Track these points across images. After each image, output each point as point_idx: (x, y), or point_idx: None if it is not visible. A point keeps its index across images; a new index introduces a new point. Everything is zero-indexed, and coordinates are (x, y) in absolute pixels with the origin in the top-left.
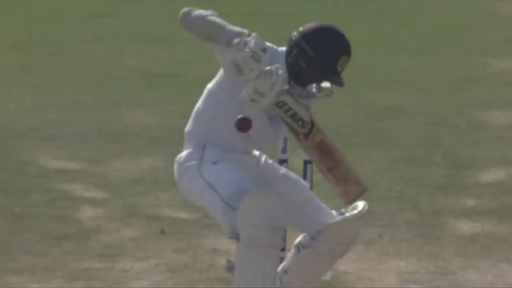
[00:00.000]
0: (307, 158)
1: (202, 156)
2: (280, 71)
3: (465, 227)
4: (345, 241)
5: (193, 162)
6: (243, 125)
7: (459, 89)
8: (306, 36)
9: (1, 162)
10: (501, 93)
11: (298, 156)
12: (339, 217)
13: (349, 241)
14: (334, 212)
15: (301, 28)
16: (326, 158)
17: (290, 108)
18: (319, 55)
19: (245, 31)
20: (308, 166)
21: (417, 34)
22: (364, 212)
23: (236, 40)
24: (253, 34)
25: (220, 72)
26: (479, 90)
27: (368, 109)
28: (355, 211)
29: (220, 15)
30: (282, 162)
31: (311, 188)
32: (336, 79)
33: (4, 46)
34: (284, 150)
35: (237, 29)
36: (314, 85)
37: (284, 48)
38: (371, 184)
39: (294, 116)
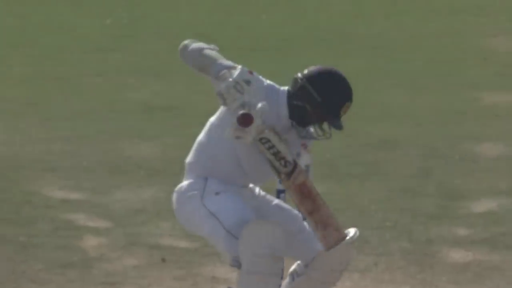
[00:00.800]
0: None
1: (205, 187)
2: (260, 106)
3: (458, 255)
4: (338, 267)
5: (195, 192)
6: (244, 120)
7: (452, 122)
8: (313, 81)
9: (7, 192)
10: (492, 126)
11: None
12: None
13: (342, 267)
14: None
15: (306, 72)
16: (307, 201)
17: (273, 146)
18: (326, 101)
19: (236, 65)
20: None
21: (410, 69)
22: (355, 238)
23: (223, 72)
24: (239, 66)
25: (222, 107)
26: (471, 123)
27: (364, 141)
28: (347, 238)
29: (219, 50)
30: (280, 192)
31: (305, 219)
32: (336, 123)
33: (11, 80)
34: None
35: (228, 62)
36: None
37: (286, 88)
38: (366, 213)
39: (276, 155)
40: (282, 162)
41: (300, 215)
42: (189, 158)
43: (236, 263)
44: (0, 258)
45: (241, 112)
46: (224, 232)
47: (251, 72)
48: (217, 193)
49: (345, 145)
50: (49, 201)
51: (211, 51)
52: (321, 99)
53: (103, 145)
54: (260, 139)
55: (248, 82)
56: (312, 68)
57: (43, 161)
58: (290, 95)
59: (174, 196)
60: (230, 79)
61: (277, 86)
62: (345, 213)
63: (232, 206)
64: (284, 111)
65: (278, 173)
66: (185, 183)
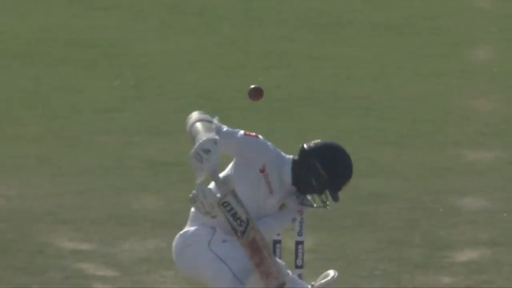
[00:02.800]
0: (299, 239)
1: (214, 234)
2: (204, 190)
3: None
4: None
5: (203, 238)
6: (255, 93)
7: (436, 177)
8: (321, 159)
9: (21, 243)
10: (474, 181)
11: (290, 237)
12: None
13: None
14: (309, 286)
15: (313, 145)
16: (256, 255)
17: (232, 208)
18: (331, 177)
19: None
20: (300, 246)
21: (398, 127)
22: (335, 279)
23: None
24: (204, 138)
25: (231, 163)
26: (454, 178)
27: (354, 195)
28: (328, 278)
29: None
30: (276, 242)
31: (302, 266)
32: (335, 196)
33: (24, 139)
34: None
35: (208, 135)
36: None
37: (291, 157)
38: (357, 263)
39: (234, 216)
40: (238, 221)
41: (283, 263)
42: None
43: None
44: None
45: (252, 86)
46: (231, 275)
47: (256, 136)
48: (224, 241)
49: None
50: (60, 251)
51: (205, 123)
52: (328, 176)
53: (111, 198)
54: (223, 204)
55: (207, 151)
56: (319, 143)
57: (55, 214)
58: (296, 165)
59: (177, 240)
60: (192, 150)
61: (282, 153)
62: (337, 262)
63: (239, 254)
64: (288, 178)
65: (235, 231)
66: (191, 228)
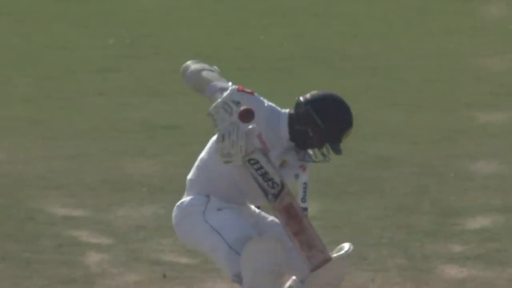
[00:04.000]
0: (303, 205)
1: (208, 203)
2: (250, 127)
3: (453, 271)
4: (333, 281)
5: (197, 208)
6: (245, 115)
7: (447, 140)
8: (316, 107)
9: (11, 209)
10: (487, 144)
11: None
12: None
13: (337, 281)
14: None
15: (309, 96)
16: (293, 222)
17: (262, 167)
18: (329, 128)
19: (230, 86)
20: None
21: (406, 88)
22: (350, 252)
23: (216, 94)
24: (230, 88)
25: None
26: (466, 142)
27: (360, 160)
28: (342, 252)
29: (220, 71)
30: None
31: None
32: (336, 148)
33: (15, 100)
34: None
35: (222, 84)
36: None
37: (287, 111)
38: (363, 230)
39: (264, 176)
40: (270, 183)
41: None
42: (190, 175)
43: (237, 279)
44: (4, 274)
45: (242, 107)
46: (227, 247)
47: (252, 93)
48: (219, 210)
49: (342, 163)
50: (52, 218)
51: (209, 72)
52: (325, 125)
53: (106, 163)
54: (249, 160)
55: (237, 103)
56: (315, 94)
57: (47, 179)
58: (292, 118)
59: (175, 211)
60: (219, 100)
61: (278, 108)
62: (342, 230)
63: (234, 222)
64: (285, 133)
65: (266, 193)
66: (186, 198)
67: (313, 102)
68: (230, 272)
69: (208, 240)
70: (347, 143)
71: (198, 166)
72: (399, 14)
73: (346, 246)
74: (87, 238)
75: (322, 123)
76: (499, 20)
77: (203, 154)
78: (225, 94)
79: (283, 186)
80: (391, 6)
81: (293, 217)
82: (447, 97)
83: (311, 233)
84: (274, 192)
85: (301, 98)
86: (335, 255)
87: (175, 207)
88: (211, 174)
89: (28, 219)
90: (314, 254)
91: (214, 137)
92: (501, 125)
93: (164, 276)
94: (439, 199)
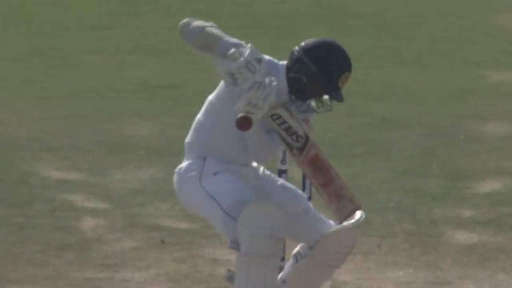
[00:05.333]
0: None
1: (203, 167)
2: (274, 83)
3: (462, 237)
4: (343, 250)
5: (194, 173)
6: (243, 123)
7: (456, 101)
8: (309, 52)
9: (3, 173)
10: (498, 105)
11: (297, 168)
12: (337, 226)
13: (347, 250)
14: (332, 222)
15: (303, 43)
16: (320, 174)
17: (285, 122)
18: (322, 71)
19: (242, 42)
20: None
21: (414, 46)
22: (361, 221)
23: (232, 51)
24: (249, 45)
25: (221, 84)
26: (476, 102)
27: (366, 121)
28: (353, 220)
29: (219, 27)
30: (282, 172)
31: (310, 199)
32: (337, 95)
33: (6, 58)
34: (283, 161)
35: (234, 40)
36: (313, 99)
37: (284, 62)
38: (369, 194)
39: (288, 130)
40: (294, 137)
41: (305, 195)
42: (188, 138)
43: (235, 245)
44: None
45: (240, 115)
46: (222, 213)
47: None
48: (215, 174)
49: (347, 124)
50: (46, 181)
51: (214, 28)
52: (317, 69)
53: (101, 124)
54: (271, 116)
55: (259, 61)
56: (309, 40)
57: (40, 140)
58: (288, 69)
59: (175, 177)
60: (242, 59)
61: (276, 61)
62: None
63: (231, 186)
64: (283, 85)
65: (291, 148)
66: (184, 164)
67: (306, 48)
68: (227, 238)
69: (205, 206)
70: (352, 103)
71: (195, 128)
72: None
73: (358, 214)
74: (82, 202)
75: (315, 67)
76: None
77: (199, 115)
78: (246, 52)
79: (307, 138)
80: None
81: (320, 168)
82: (457, 56)
83: (339, 183)
84: (299, 145)
85: (296, 47)
86: (345, 223)
87: (174, 173)
88: (208, 135)
89: (21, 182)
90: (344, 205)
91: (211, 97)
92: None
93: (163, 242)
94: (448, 161)
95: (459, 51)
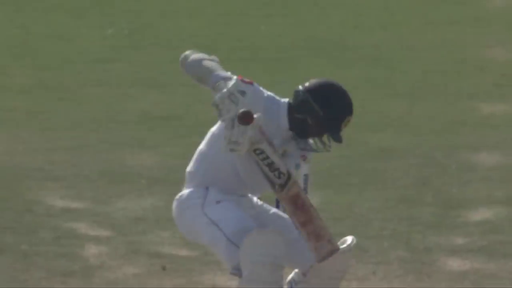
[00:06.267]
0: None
1: (206, 195)
2: (255, 116)
3: (455, 264)
4: (336, 274)
5: (196, 200)
6: (245, 117)
7: (449, 131)
8: (315, 95)
9: (9, 201)
10: (489, 136)
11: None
12: None
13: (340, 275)
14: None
15: (308, 84)
16: (300, 212)
17: (267, 157)
18: (328, 115)
19: (233, 76)
20: None
21: (408, 79)
22: (352, 246)
23: (219, 83)
24: (234, 77)
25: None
26: (468, 133)
27: (362, 151)
28: (344, 245)
29: (219, 61)
30: (279, 202)
31: None
32: (337, 136)
33: (12, 90)
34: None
35: (225, 74)
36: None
37: (286, 100)
38: (365, 222)
39: (271, 166)
40: (276, 173)
41: None
42: (189, 167)
43: (237, 271)
44: (2, 266)
45: (241, 110)
46: (225, 240)
47: (251, 82)
48: (218, 202)
49: (344, 154)
50: (51, 210)
51: (210, 62)
52: (323, 113)
53: (104, 154)
54: (255, 150)
55: (243, 93)
56: (314, 81)
57: (45, 170)
58: (291, 107)
59: (174, 204)
60: (225, 90)
61: (277, 97)
62: (344, 222)
63: (233, 214)
64: (284, 122)
65: (272, 184)
66: (185, 191)
67: (312, 90)
68: (229, 265)
69: (207, 233)
70: (348, 133)
71: (197, 158)
72: (400, 4)
73: (349, 239)
74: (85, 230)
75: (321, 110)
76: (502, 10)
77: (202, 146)
78: (230, 84)
79: (289, 175)
80: None
81: (300, 207)
82: (449, 88)
83: (319, 223)
84: (280, 182)
85: (300, 87)
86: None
87: (174, 200)
88: (210, 165)
89: (27, 211)
90: (322, 245)
91: (213, 128)
92: (504, 116)
93: (164, 268)
94: (441, 190)
95: (451, 84)
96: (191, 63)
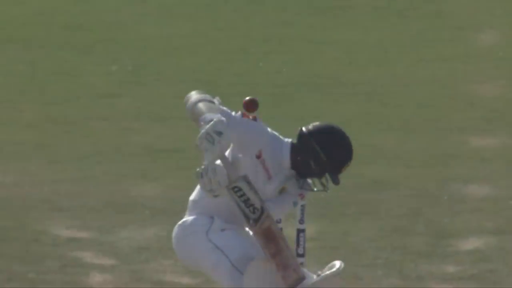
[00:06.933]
0: (301, 227)
1: (212, 223)
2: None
3: None
4: None
5: (201, 227)
6: (250, 104)
7: (440, 164)
8: (320, 141)
9: (17, 231)
10: (479, 168)
11: (291, 224)
12: (319, 277)
13: None
14: (314, 275)
15: (312, 128)
16: (271, 244)
17: (244, 194)
18: (331, 160)
19: (222, 118)
20: (301, 234)
21: (401, 113)
22: (341, 270)
23: (202, 123)
24: (214, 119)
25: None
26: (459, 166)
27: (356, 182)
28: (333, 269)
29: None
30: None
31: (304, 254)
32: (335, 178)
33: (20, 124)
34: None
35: (213, 116)
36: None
37: (289, 140)
38: (359, 251)
39: (246, 202)
40: (251, 208)
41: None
42: (193, 196)
43: None
44: None
45: (247, 98)
46: (230, 266)
47: (255, 118)
48: (222, 230)
49: (339, 186)
50: (57, 239)
51: (207, 103)
52: (326, 158)
53: (109, 186)
54: (233, 188)
55: (219, 133)
56: (318, 126)
57: (51, 201)
58: (294, 148)
59: (176, 230)
60: (203, 130)
61: (280, 137)
62: (339, 250)
63: (237, 242)
64: (287, 162)
65: (247, 218)
66: (189, 218)
67: (316, 135)
68: None
69: (210, 259)
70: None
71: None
72: (393, 42)
73: (337, 263)
74: (91, 259)
75: (324, 156)
76: (491, 47)
77: None
78: (208, 125)
79: (262, 210)
80: (385, 33)
81: (271, 239)
82: (440, 122)
83: (286, 254)
84: (254, 217)
85: (304, 129)
86: (326, 272)
87: (176, 226)
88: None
89: (34, 240)
90: (288, 274)
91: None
92: (493, 150)
93: None
94: (433, 221)
95: (442, 118)
96: (190, 104)
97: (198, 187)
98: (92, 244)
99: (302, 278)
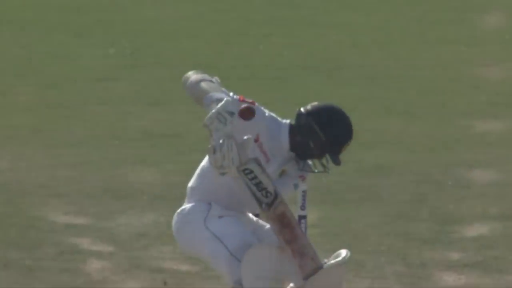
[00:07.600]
0: (302, 213)
1: (209, 210)
2: (245, 138)
3: (451, 279)
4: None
5: (199, 215)
6: (246, 113)
7: (445, 149)
8: (318, 120)
9: (13, 217)
10: (484, 153)
11: (292, 211)
12: (325, 266)
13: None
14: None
15: (310, 108)
16: (286, 231)
17: (256, 177)
18: (330, 139)
19: (226, 97)
20: (303, 221)
21: (404, 97)
22: (347, 259)
23: (211, 104)
24: (225, 98)
25: None
26: (463, 150)
27: (359, 168)
28: (339, 258)
29: (219, 81)
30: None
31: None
32: (336, 159)
33: (16, 108)
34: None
35: (219, 95)
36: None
37: (287, 121)
38: (362, 238)
39: (258, 185)
40: (264, 192)
41: None
42: (191, 183)
43: (238, 285)
44: (6, 281)
45: (243, 105)
46: (228, 254)
47: (253, 102)
48: (220, 217)
49: (341, 170)
50: (54, 226)
51: (208, 83)
52: (325, 137)
53: (107, 171)
54: (244, 170)
55: (231, 114)
56: (317, 105)
57: (48, 187)
58: (293, 129)
59: (175, 218)
60: (214, 110)
61: (279, 119)
62: (341, 237)
63: (235, 230)
64: (285, 143)
65: (259, 203)
66: (187, 206)
67: (315, 114)
68: (230, 279)
69: (209, 247)
70: (345, 151)
71: (199, 174)
72: (396, 24)
73: (343, 252)
74: (88, 245)
75: (323, 135)
76: (496, 29)
77: (203, 162)
78: (219, 104)
79: (276, 195)
80: (388, 16)
81: (286, 225)
82: (445, 106)
83: (303, 241)
84: (267, 201)
85: (302, 110)
86: (332, 261)
87: (175, 214)
88: (211, 183)
89: (30, 227)
90: (306, 262)
91: None
92: (498, 134)
93: (165, 283)
94: (437, 207)
95: (447, 102)
96: (190, 84)
97: (196, 173)
98: (90, 231)
99: (320, 267)
